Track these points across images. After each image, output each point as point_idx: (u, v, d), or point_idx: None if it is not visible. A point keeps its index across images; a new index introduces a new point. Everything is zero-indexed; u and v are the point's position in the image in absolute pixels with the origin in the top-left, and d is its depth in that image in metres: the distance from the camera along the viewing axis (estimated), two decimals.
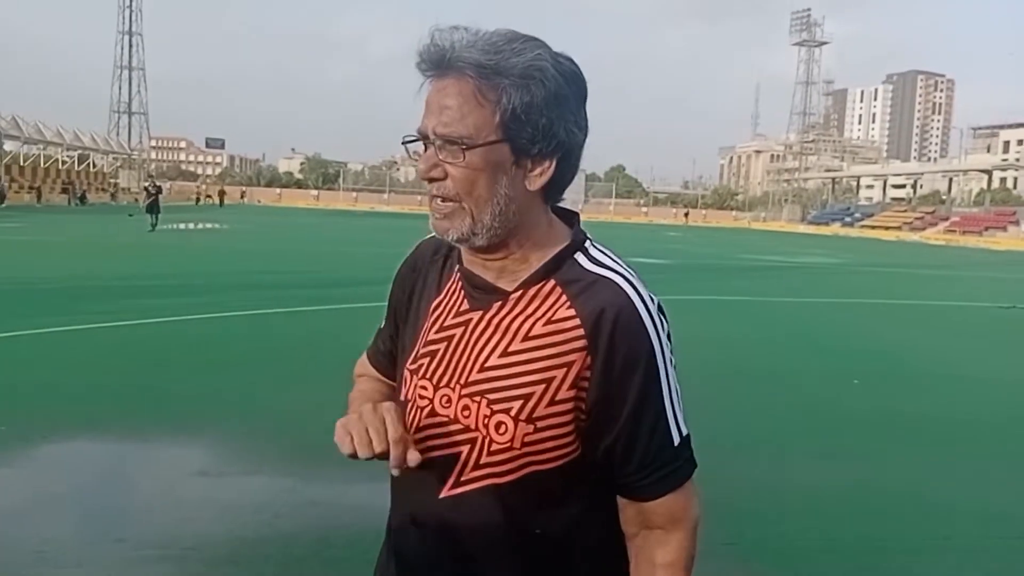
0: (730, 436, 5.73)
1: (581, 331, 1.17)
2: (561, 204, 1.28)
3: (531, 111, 1.13)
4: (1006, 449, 6.17)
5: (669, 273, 19.20)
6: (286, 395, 6.50)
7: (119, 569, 3.57)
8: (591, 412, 1.19)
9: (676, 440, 1.23)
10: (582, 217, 1.33)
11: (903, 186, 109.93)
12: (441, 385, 1.25)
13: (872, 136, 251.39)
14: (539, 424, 1.18)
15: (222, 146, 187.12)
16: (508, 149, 1.15)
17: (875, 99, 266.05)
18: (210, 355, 7.92)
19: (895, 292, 18.95)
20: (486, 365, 1.21)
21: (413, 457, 1.11)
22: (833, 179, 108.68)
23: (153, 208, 29.38)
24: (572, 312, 1.18)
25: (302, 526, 4.06)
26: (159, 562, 3.64)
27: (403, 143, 1.22)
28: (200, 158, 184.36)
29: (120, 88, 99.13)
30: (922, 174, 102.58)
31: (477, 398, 1.21)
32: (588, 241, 1.27)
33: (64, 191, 60.41)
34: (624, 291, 1.19)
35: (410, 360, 1.31)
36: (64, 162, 67.59)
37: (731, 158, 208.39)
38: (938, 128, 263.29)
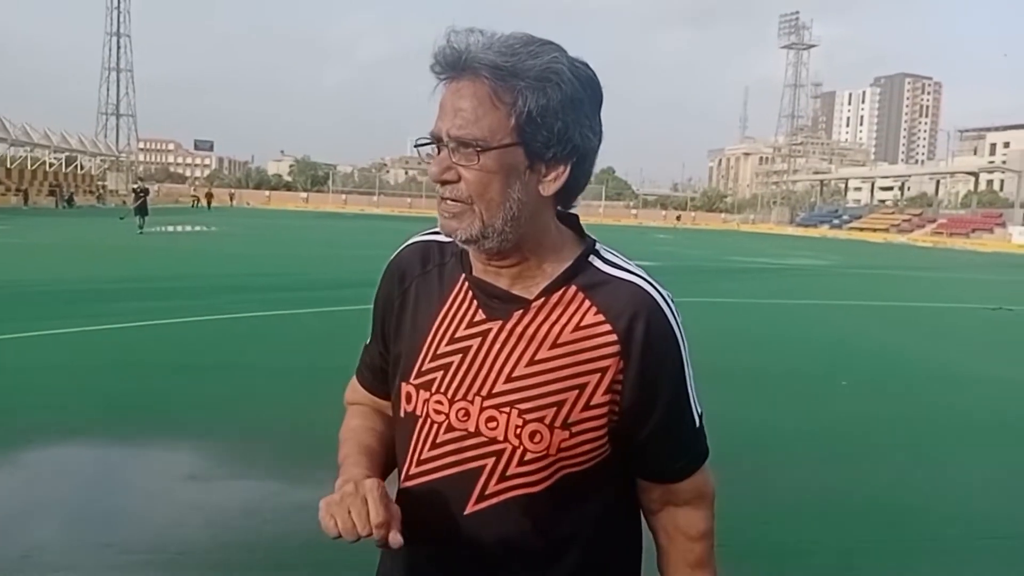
0: (717, 438, 5.71)
1: (613, 336, 1.17)
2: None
3: (547, 114, 1.12)
4: (993, 451, 6.20)
5: (658, 275, 19.00)
6: (275, 398, 6.48)
7: (106, 574, 3.55)
8: (626, 413, 1.20)
9: (697, 422, 1.28)
10: None
11: (891, 188, 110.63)
12: (458, 398, 1.22)
13: (860, 139, 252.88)
14: (574, 429, 1.18)
15: (211, 148, 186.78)
16: (522, 152, 1.14)
17: (863, 102, 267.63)
18: (198, 358, 7.88)
19: (883, 294, 19.04)
20: (513, 375, 1.19)
21: (395, 540, 1.09)
22: (821, 181, 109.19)
23: (141, 210, 29.24)
24: (601, 317, 1.19)
25: (291, 530, 4.04)
26: (147, 567, 3.62)
27: (415, 146, 1.20)
28: (189, 160, 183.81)
29: (108, 90, 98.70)
30: (909, 176, 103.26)
31: (506, 409, 1.19)
32: (598, 243, 1.27)
33: (51, 193, 60.06)
34: (648, 292, 1.21)
35: (413, 375, 1.27)
36: (51, 164, 67.23)
37: (720, 160, 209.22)
38: (925, 131, 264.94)
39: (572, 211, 1.28)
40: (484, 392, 1.20)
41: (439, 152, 1.16)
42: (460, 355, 1.23)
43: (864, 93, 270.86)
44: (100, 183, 77.66)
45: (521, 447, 1.18)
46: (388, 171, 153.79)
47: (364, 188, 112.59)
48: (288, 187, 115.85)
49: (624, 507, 1.32)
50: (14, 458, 4.98)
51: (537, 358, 1.19)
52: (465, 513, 1.21)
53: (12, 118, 58.39)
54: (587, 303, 1.20)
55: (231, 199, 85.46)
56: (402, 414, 1.29)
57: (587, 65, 1.18)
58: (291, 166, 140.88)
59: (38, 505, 4.31)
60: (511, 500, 1.20)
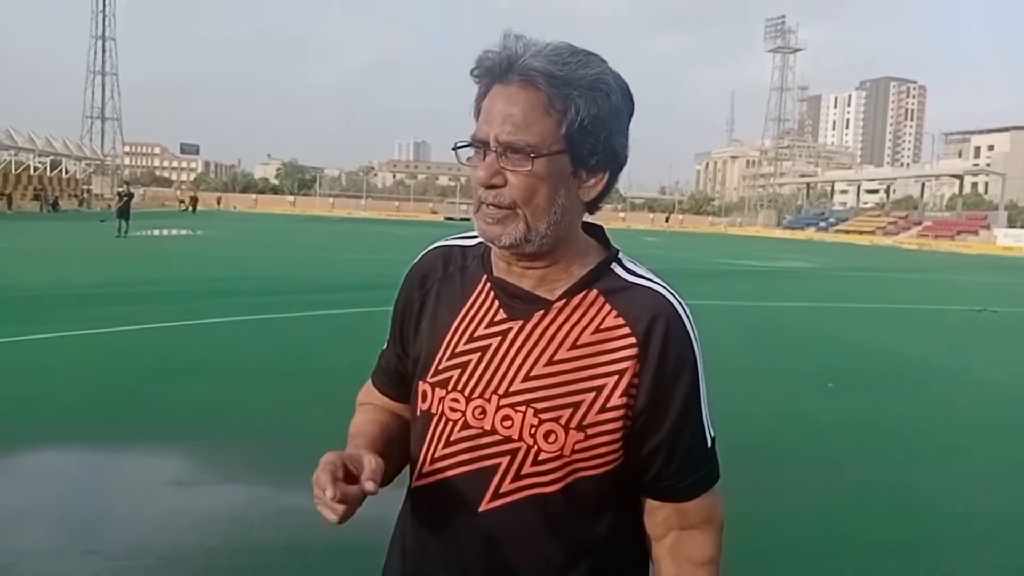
0: None
1: (632, 339, 1.19)
2: None
3: (596, 123, 1.14)
4: (979, 449, 6.24)
5: None
6: (261, 403, 6.45)
7: None
8: (638, 417, 1.20)
9: (709, 442, 1.27)
10: None
11: (876, 191, 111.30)
12: (474, 396, 1.22)
13: (846, 142, 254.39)
14: (589, 431, 1.18)
15: (197, 152, 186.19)
16: (568, 160, 1.16)
17: (849, 105, 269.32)
18: (183, 363, 7.82)
19: (869, 296, 19.14)
20: (531, 374, 1.20)
21: (369, 488, 1.10)
22: (808, 184, 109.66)
23: (123, 213, 29.07)
24: (620, 320, 1.20)
25: (278, 535, 4.02)
26: (132, 573, 3.59)
27: (455, 148, 1.21)
28: (175, 164, 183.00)
29: (93, 93, 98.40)
30: (895, 179, 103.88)
31: (522, 407, 1.20)
32: (620, 253, 1.29)
33: (36, 197, 59.60)
34: (668, 299, 1.22)
35: (430, 373, 1.28)
36: (36, 168, 66.75)
37: (707, 164, 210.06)
38: (911, 134, 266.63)
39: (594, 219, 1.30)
40: (501, 391, 1.21)
41: (484, 157, 1.16)
42: (479, 353, 1.24)
43: (850, 96, 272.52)
44: (85, 187, 77.18)
45: (536, 446, 1.19)
46: (376, 174, 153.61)
47: (352, 191, 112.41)
48: (275, 191, 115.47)
49: (638, 524, 1.31)
50: None
51: (556, 358, 1.20)
52: (480, 510, 1.22)
53: None
54: (607, 307, 1.21)
55: (218, 203, 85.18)
56: (418, 412, 1.30)
57: (622, 77, 1.20)
58: (278, 169, 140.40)
59: (22, 512, 4.27)
60: (526, 499, 1.20)
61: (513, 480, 1.20)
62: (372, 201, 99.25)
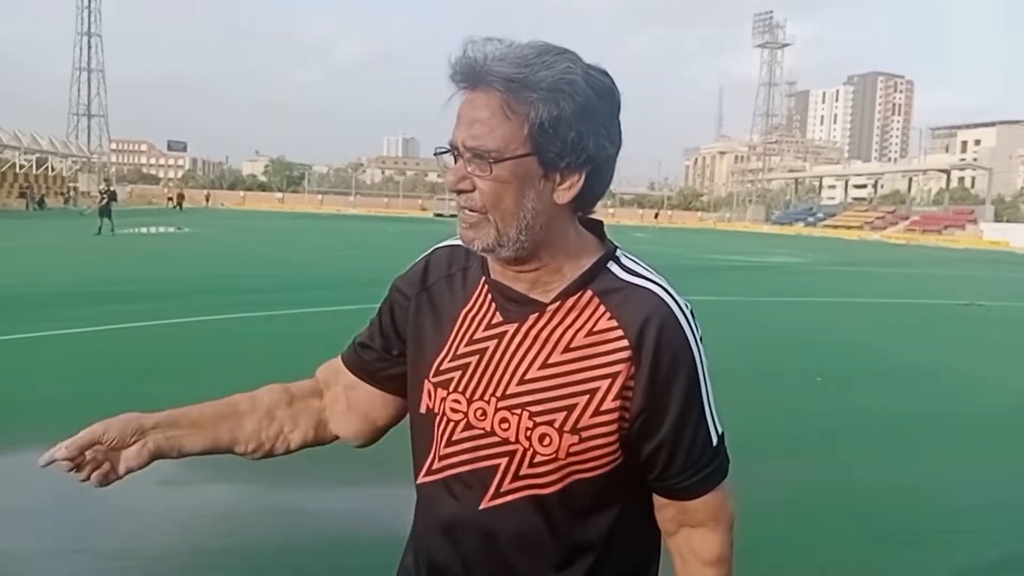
0: None
1: (625, 342, 1.18)
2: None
3: (559, 125, 1.12)
4: (965, 444, 6.28)
5: None
6: None
7: None
8: (635, 420, 1.20)
9: (715, 440, 1.26)
10: None
11: (864, 186, 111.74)
12: (475, 398, 1.24)
13: (834, 137, 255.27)
14: (583, 435, 1.18)
15: (184, 149, 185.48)
16: (536, 162, 1.15)
17: (836, 100, 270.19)
18: (170, 362, 7.78)
19: (857, 290, 19.22)
20: (526, 377, 1.21)
21: (45, 457, 1.29)
22: (796, 179, 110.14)
23: (105, 212, 28.81)
24: (614, 323, 1.19)
25: (267, 534, 4.01)
26: (119, 573, 3.57)
27: (436, 153, 1.22)
28: (162, 161, 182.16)
29: (79, 90, 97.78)
30: (883, 174, 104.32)
31: (517, 411, 1.21)
32: (618, 250, 1.28)
33: (21, 195, 59.22)
34: (663, 300, 1.21)
35: (432, 373, 1.29)
36: (22, 166, 66.30)
37: (696, 159, 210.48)
38: (898, 129, 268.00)
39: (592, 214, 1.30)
40: (499, 393, 1.22)
41: (456, 161, 1.18)
42: (478, 356, 1.25)
43: (837, 92, 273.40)
44: (72, 185, 76.69)
45: (532, 449, 1.20)
46: (364, 171, 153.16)
47: (340, 188, 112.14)
48: (263, 187, 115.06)
49: (641, 522, 1.31)
50: None
51: (550, 361, 1.20)
52: (480, 508, 1.24)
53: None
54: (601, 308, 1.21)
55: (207, 200, 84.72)
56: (422, 410, 1.31)
57: (605, 73, 1.18)
58: (266, 166, 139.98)
59: (8, 512, 4.25)
60: (525, 499, 1.22)
61: (513, 480, 1.22)
62: (361, 198, 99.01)
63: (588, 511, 1.24)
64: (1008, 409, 7.52)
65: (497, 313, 1.25)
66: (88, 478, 1.28)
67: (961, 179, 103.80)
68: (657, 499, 1.29)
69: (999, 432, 6.70)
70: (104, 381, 6.88)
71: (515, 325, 1.23)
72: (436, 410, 1.28)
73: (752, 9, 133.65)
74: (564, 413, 1.19)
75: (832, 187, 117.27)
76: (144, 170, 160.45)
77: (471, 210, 1.18)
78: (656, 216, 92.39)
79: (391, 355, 1.40)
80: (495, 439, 1.22)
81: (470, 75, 1.14)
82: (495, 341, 1.24)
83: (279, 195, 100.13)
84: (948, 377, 8.89)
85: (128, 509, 4.33)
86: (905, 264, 31.38)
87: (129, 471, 1.34)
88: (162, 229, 35.78)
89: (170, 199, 72.83)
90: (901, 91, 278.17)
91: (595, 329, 1.20)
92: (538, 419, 1.19)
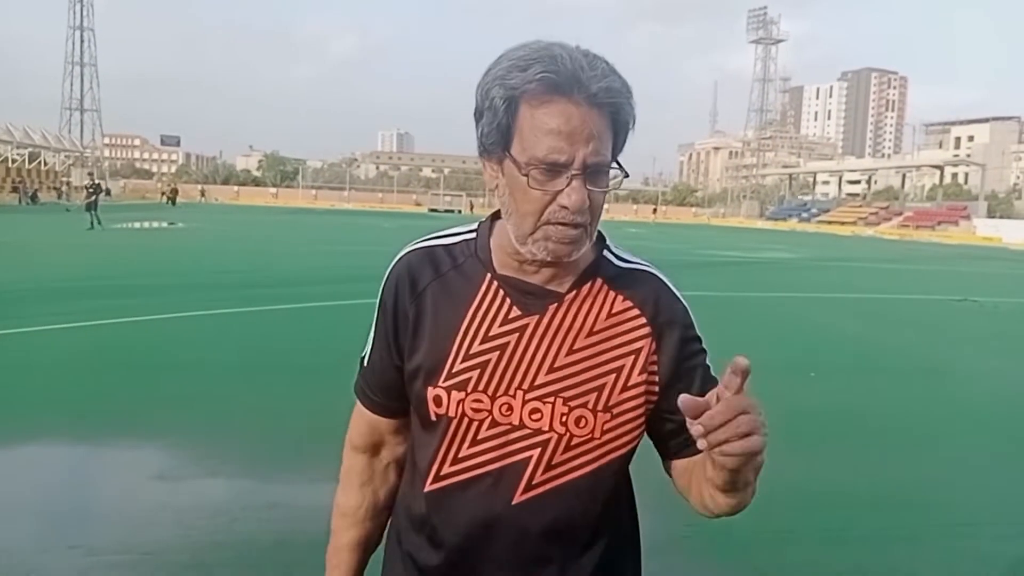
0: None
1: (643, 319, 1.26)
2: None
3: (627, 133, 1.20)
4: (957, 440, 6.30)
5: None
6: (243, 397, 6.41)
7: None
8: (664, 390, 1.26)
9: None
10: None
11: (858, 182, 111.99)
12: (500, 394, 1.24)
13: (828, 133, 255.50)
14: (615, 411, 1.24)
15: (177, 143, 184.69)
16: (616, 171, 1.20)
17: (830, 96, 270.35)
18: (166, 357, 7.77)
19: (851, 286, 19.26)
20: (555, 365, 1.24)
21: None
22: (790, 175, 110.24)
23: (92, 207, 28.75)
24: (629, 303, 1.27)
25: (261, 529, 4.01)
26: (114, 568, 3.57)
27: (524, 173, 1.15)
28: (155, 156, 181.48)
29: (72, 85, 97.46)
30: (876, 170, 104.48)
31: (550, 399, 1.23)
32: (607, 240, 1.34)
33: (14, 190, 59.01)
34: (660, 279, 1.32)
35: (442, 378, 1.26)
36: (14, 160, 65.97)
37: (690, 155, 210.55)
38: (892, 125, 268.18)
39: None
40: (526, 385, 1.24)
41: (570, 181, 1.13)
42: (498, 352, 1.25)
43: (831, 88, 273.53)
44: (64, 179, 76.38)
45: (567, 434, 1.23)
46: (359, 166, 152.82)
47: (334, 183, 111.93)
48: (257, 182, 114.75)
49: (631, 503, 1.40)
50: None
51: (576, 347, 1.24)
52: (513, 503, 1.25)
53: None
54: (613, 292, 1.27)
55: (202, 195, 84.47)
56: (433, 417, 1.28)
57: None
58: (260, 161, 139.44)
59: (5, 507, 4.23)
60: (559, 487, 1.25)
61: (545, 471, 1.24)
62: (355, 193, 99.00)
63: (610, 491, 1.30)
64: (1002, 403, 7.56)
65: (514, 307, 1.26)
66: None
67: (954, 175, 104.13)
68: (679, 464, 1.31)
69: (993, 425, 6.72)
70: (101, 376, 6.87)
71: (536, 317, 1.25)
72: (452, 414, 1.26)
73: (746, 5, 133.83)
74: (596, 393, 1.23)
75: (826, 183, 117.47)
76: (137, 165, 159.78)
77: (575, 226, 1.16)
78: (654, 211, 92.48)
79: None
80: (525, 431, 1.24)
81: (579, 88, 1.11)
82: (516, 335, 1.25)
83: (273, 190, 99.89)
84: (942, 372, 8.92)
85: (123, 504, 4.33)
86: (898, 260, 31.45)
87: None
88: (155, 224, 35.66)
89: (163, 194, 72.56)
90: (895, 87, 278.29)
91: (613, 311, 1.26)
92: (572, 403, 1.23)
